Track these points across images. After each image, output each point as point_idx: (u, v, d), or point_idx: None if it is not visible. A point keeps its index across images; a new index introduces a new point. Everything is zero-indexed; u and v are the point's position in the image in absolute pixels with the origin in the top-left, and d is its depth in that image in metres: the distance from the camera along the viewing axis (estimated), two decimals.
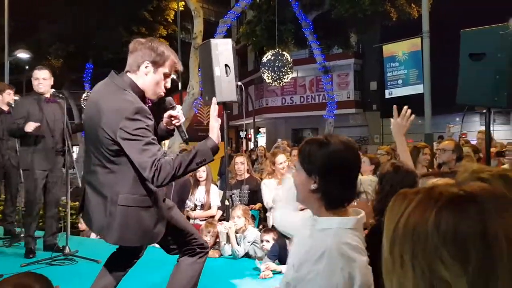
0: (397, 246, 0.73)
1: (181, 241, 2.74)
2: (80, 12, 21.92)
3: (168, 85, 2.60)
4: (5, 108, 5.37)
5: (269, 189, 5.21)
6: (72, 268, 4.31)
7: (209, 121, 2.60)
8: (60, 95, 4.78)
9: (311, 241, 1.53)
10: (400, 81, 12.86)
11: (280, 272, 3.92)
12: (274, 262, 4.05)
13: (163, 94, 2.60)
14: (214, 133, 2.46)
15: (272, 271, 3.92)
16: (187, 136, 2.75)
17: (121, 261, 2.89)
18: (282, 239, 4.20)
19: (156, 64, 2.48)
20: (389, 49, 13.46)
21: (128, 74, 2.52)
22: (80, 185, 6.77)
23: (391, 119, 2.83)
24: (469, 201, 0.70)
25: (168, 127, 2.71)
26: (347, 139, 1.57)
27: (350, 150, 1.53)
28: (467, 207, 0.69)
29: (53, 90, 4.75)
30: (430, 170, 4.78)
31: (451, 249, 0.67)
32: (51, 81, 4.80)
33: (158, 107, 2.79)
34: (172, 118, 2.64)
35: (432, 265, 0.68)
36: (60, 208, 7.25)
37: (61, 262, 4.44)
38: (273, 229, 4.65)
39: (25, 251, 4.69)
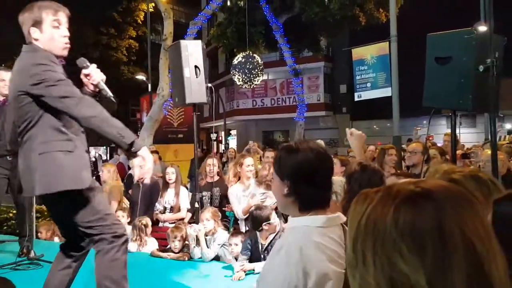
0: (359, 243, 0.77)
1: (94, 228, 2.61)
2: None
3: (65, 32, 2.63)
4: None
5: (237, 198, 5.09)
6: (37, 273, 4.18)
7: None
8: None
9: (279, 240, 1.59)
10: (368, 84, 13.08)
11: (253, 271, 3.90)
12: (246, 257, 4.03)
13: (67, 45, 2.65)
14: (146, 151, 2.55)
15: (245, 271, 3.90)
16: (111, 94, 2.77)
17: (69, 247, 2.87)
18: (253, 233, 4.19)
19: (37, 23, 2.55)
20: (358, 52, 13.68)
21: (31, 45, 2.60)
22: None
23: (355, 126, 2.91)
24: (426, 198, 0.74)
25: (88, 87, 2.75)
26: (317, 145, 1.63)
27: (319, 155, 1.58)
28: (424, 203, 0.73)
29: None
30: (399, 171, 4.88)
31: (409, 243, 0.70)
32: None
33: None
34: (88, 77, 2.72)
35: (391, 258, 0.71)
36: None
37: (26, 267, 4.32)
38: (241, 232, 4.63)
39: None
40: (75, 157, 2.52)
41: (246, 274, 3.87)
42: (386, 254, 0.72)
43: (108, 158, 23.40)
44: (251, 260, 4.05)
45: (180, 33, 14.29)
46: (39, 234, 5.81)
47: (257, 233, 4.15)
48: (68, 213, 2.56)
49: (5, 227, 6.18)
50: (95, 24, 23.16)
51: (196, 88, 5.00)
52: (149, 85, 18.84)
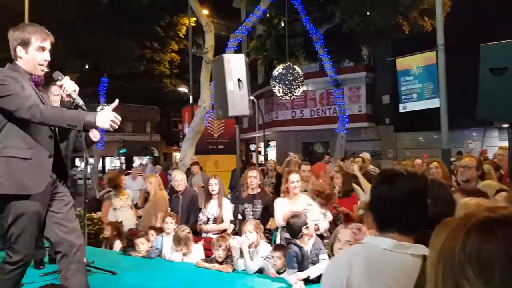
0: (434, 267, 0.80)
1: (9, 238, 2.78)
2: (95, 28, 22.27)
3: (47, 57, 2.92)
4: None
5: (281, 208, 5.11)
6: (89, 279, 4.30)
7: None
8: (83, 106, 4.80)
9: None
10: (414, 95, 12.72)
11: (309, 279, 3.88)
12: (295, 270, 4.00)
13: (45, 68, 2.95)
14: (99, 115, 2.72)
15: (303, 280, 3.87)
16: (82, 103, 3.02)
17: None
18: (291, 245, 4.16)
19: (25, 44, 2.84)
20: (402, 62, 13.36)
21: (14, 62, 2.90)
22: (98, 196, 6.85)
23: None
24: (499, 224, 0.75)
25: (64, 97, 3.05)
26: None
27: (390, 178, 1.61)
28: (495, 229, 0.74)
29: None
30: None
31: (475, 268, 0.72)
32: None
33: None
34: (62, 88, 3.00)
35: (459, 282, 0.74)
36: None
37: None
38: (283, 246, 4.60)
39: (34, 262, 4.68)
40: (30, 164, 2.74)
41: (306, 285, 3.85)
42: (454, 278, 0.74)
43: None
44: (300, 270, 4.02)
45: (220, 45, 14.52)
46: (105, 231, 6.03)
47: (297, 242, 4.13)
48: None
49: None
50: (140, 39, 23.87)
51: (239, 101, 5.05)
52: (191, 97, 19.20)
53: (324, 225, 5.02)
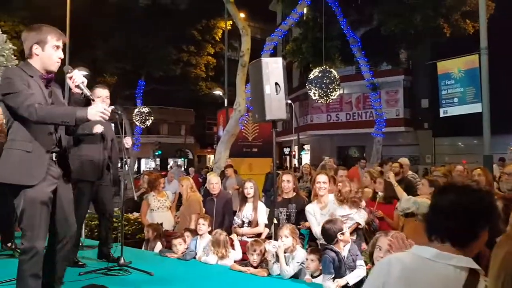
0: (495, 279, 0.87)
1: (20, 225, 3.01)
2: (132, 31, 22.81)
3: (61, 54, 3.17)
4: None
5: (314, 216, 5.04)
6: (126, 279, 4.39)
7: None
8: (119, 112, 4.90)
9: None
10: (456, 100, 12.35)
11: (347, 286, 3.84)
12: (331, 275, 3.95)
13: (59, 64, 3.18)
14: (90, 109, 2.95)
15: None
16: (89, 93, 3.29)
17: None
18: (330, 252, 4.10)
19: (42, 43, 3.07)
20: (443, 66, 13.00)
21: (26, 60, 3.13)
22: (135, 197, 6.97)
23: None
24: None
25: (74, 90, 3.28)
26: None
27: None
28: None
29: (112, 107, 4.86)
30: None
31: None
32: (108, 101, 4.95)
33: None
34: (72, 79, 3.23)
35: None
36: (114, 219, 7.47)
37: (116, 273, 4.52)
38: (318, 249, 4.54)
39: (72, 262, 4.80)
40: (31, 157, 2.96)
41: None
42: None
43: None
44: (338, 276, 3.97)
45: (256, 48, 14.56)
46: (145, 232, 6.14)
47: (334, 247, 4.08)
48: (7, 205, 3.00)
49: (96, 233, 6.55)
50: (177, 42, 24.28)
51: (276, 105, 5.03)
52: (226, 100, 19.36)
53: (357, 218, 4.94)
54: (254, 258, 4.63)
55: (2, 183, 2.96)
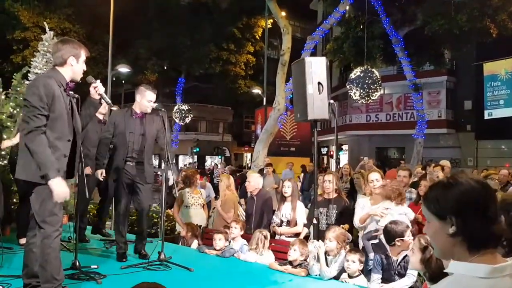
0: None
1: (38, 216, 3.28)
2: (173, 30, 23.15)
3: (85, 68, 3.61)
4: (101, 117, 5.76)
5: (361, 207, 5.12)
6: (166, 274, 4.49)
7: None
8: (162, 109, 5.01)
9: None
10: (502, 102, 11.98)
11: None
12: (379, 275, 3.91)
13: (81, 75, 3.60)
14: (56, 184, 3.15)
15: None
16: (109, 101, 4.11)
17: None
18: (382, 249, 4.05)
19: (77, 56, 3.49)
20: (490, 67, 12.61)
21: (56, 67, 3.48)
22: (176, 193, 7.10)
23: None
24: None
25: (94, 96, 3.87)
26: (474, 176, 1.47)
27: (484, 185, 1.42)
28: None
29: (155, 104, 4.98)
30: None
31: None
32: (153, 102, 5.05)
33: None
34: (95, 89, 3.82)
35: None
36: (154, 215, 7.61)
37: (156, 268, 4.63)
38: (359, 250, 4.50)
39: (116, 255, 4.94)
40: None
41: None
42: None
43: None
44: (383, 277, 3.93)
45: (295, 47, 14.50)
46: (181, 230, 6.28)
47: (388, 248, 4.02)
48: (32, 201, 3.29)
49: (135, 228, 6.72)
50: (218, 41, 24.46)
51: (319, 105, 5.01)
52: (264, 99, 19.38)
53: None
54: (294, 255, 4.62)
55: (27, 181, 3.27)
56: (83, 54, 3.56)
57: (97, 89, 3.82)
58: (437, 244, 1.47)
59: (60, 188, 3.15)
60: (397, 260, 3.97)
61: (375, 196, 5.12)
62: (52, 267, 3.23)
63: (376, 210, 4.84)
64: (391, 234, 3.99)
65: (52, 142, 3.25)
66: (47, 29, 7.66)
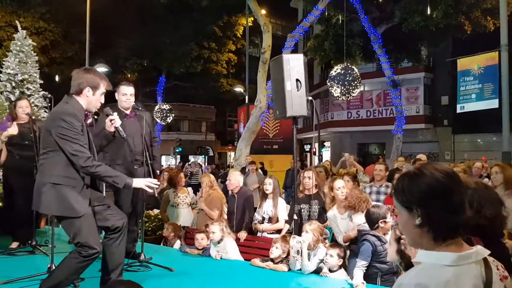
0: None
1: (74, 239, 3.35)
2: (153, 28, 22.92)
3: (103, 101, 3.52)
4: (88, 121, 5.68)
5: (335, 221, 4.99)
6: (147, 275, 4.47)
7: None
8: (140, 108, 4.95)
9: (401, 276, 1.48)
10: (473, 96, 12.29)
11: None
12: (366, 262, 3.98)
13: (97, 107, 3.55)
14: (139, 182, 3.48)
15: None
16: (124, 134, 3.90)
17: None
18: (370, 237, 4.11)
19: (94, 88, 3.38)
20: (463, 62, 12.91)
21: (73, 96, 3.39)
22: (156, 194, 7.04)
23: None
24: None
25: (109, 129, 3.80)
26: (441, 165, 1.49)
27: (449, 175, 1.44)
28: None
29: (133, 103, 4.91)
30: None
31: None
32: (133, 98, 4.95)
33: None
34: (112, 121, 3.75)
35: None
36: None
37: (136, 269, 4.60)
38: (339, 244, 4.56)
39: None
40: (75, 192, 3.27)
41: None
42: None
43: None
44: (376, 260, 4.02)
45: (277, 45, 14.56)
46: (164, 231, 6.25)
47: (374, 232, 4.12)
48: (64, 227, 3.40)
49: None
50: (199, 39, 24.30)
51: (297, 101, 5.05)
52: (246, 97, 19.40)
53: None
54: (276, 253, 4.67)
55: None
56: (103, 87, 3.45)
57: (113, 121, 3.75)
58: (408, 234, 1.51)
59: (142, 182, 3.46)
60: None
61: (340, 204, 5.05)
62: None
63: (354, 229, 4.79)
64: (375, 216, 4.10)
65: (75, 175, 3.30)
66: (20, 28, 7.53)
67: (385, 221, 4.07)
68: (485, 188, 2.36)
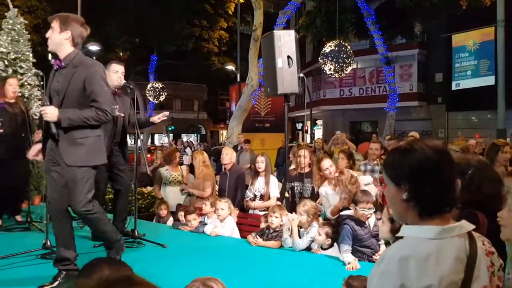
0: None
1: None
2: (144, 6, 22.55)
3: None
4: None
5: (326, 197, 5.01)
6: (140, 251, 4.51)
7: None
8: (130, 86, 4.90)
9: (386, 249, 1.49)
10: (469, 73, 12.19)
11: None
12: (349, 246, 4.02)
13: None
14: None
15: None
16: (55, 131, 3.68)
17: None
18: (349, 221, 4.15)
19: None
20: (458, 38, 12.78)
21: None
22: (148, 172, 7.06)
23: None
24: None
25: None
26: (433, 142, 1.48)
27: (439, 151, 1.44)
28: None
29: (124, 81, 4.87)
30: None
31: None
32: (123, 76, 4.91)
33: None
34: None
35: None
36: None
37: (130, 245, 4.63)
38: (329, 223, 4.58)
39: (91, 234, 4.87)
40: (101, 140, 3.57)
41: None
42: None
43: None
44: (358, 243, 4.11)
45: (269, 22, 14.36)
46: (156, 207, 6.31)
47: (353, 216, 4.19)
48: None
49: (110, 207, 6.68)
50: (190, 17, 23.97)
51: (289, 79, 5.02)
52: (238, 75, 19.25)
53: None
54: (276, 222, 4.68)
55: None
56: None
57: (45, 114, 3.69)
58: (394, 208, 1.52)
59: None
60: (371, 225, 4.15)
61: (331, 181, 5.03)
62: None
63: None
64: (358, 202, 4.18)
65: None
66: (11, 6, 7.39)
67: (355, 208, 4.16)
68: (486, 166, 2.37)
